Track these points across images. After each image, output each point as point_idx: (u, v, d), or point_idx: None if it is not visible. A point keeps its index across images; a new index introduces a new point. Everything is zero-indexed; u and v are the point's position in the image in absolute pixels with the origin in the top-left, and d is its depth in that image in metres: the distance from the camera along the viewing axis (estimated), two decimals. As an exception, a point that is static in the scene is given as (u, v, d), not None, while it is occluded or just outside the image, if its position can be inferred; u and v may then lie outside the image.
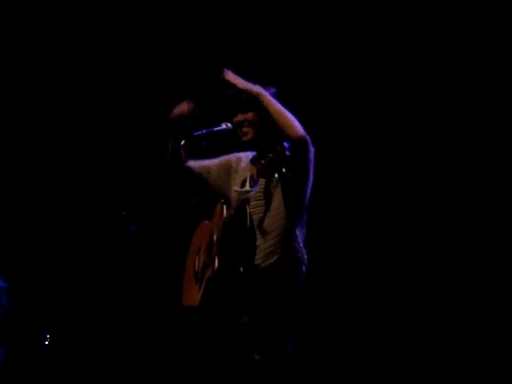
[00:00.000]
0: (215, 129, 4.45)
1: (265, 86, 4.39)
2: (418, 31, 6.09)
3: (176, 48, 6.59)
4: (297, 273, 4.40)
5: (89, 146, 6.72)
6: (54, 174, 6.76)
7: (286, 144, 4.18)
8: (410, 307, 6.10)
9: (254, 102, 4.34)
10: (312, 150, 4.32)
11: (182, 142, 4.39)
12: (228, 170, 4.60)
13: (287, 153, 4.14)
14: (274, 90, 4.44)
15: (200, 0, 6.56)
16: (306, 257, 4.45)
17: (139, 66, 6.67)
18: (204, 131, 4.41)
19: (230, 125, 4.45)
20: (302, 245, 4.43)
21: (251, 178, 4.32)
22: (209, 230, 4.56)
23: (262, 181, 4.28)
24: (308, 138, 4.25)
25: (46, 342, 6.37)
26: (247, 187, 4.29)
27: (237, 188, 4.39)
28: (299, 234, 4.42)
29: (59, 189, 6.76)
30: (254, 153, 4.56)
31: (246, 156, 4.60)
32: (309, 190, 4.39)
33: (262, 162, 4.18)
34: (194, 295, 4.52)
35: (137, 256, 6.47)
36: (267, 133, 4.38)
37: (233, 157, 4.63)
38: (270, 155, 4.15)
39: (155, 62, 6.64)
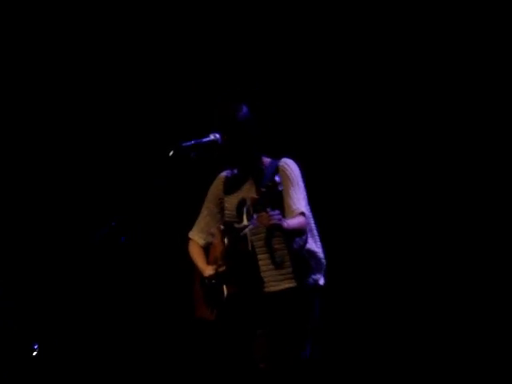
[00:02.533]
0: (203, 140, 4.49)
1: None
2: (416, 32, 6.10)
3: (173, 49, 6.59)
4: (312, 296, 4.56)
5: (82, 156, 6.71)
6: (45, 185, 6.75)
7: (277, 178, 4.25)
8: (408, 308, 6.12)
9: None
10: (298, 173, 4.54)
11: (171, 153, 4.41)
12: (219, 201, 4.72)
13: (279, 188, 4.23)
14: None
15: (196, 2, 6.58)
16: (324, 262, 4.58)
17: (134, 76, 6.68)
18: (192, 142, 4.45)
19: (218, 136, 4.51)
20: (319, 254, 4.56)
21: (247, 212, 4.43)
22: (212, 253, 4.68)
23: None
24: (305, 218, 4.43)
25: (35, 353, 6.36)
26: (245, 221, 4.43)
27: (236, 225, 4.48)
28: (312, 242, 4.54)
29: (49, 199, 6.75)
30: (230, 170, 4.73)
31: (226, 175, 4.74)
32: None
33: (256, 196, 4.27)
34: (206, 312, 4.65)
35: (126, 266, 6.48)
36: (250, 150, 4.56)
37: (214, 188, 4.75)
38: (263, 189, 4.24)
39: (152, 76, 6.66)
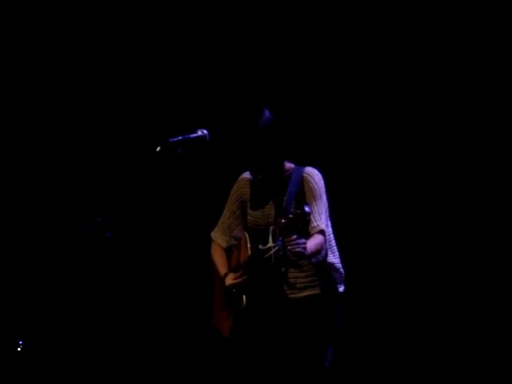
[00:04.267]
0: (191, 135, 4.47)
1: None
2: (416, 32, 6.12)
3: (169, 46, 6.56)
4: (333, 303, 4.62)
5: (71, 153, 6.69)
6: (34, 182, 6.74)
7: (306, 208, 4.26)
8: (422, 312, 6.14)
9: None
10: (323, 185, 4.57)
11: (158, 149, 4.38)
12: (242, 203, 4.74)
13: (308, 218, 4.27)
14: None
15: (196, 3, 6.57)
16: (342, 271, 4.64)
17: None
18: (180, 137, 4.42)
19: (205, 132, 4.49)
20: (337, 264, 4.62)
21: (273, 233, 4.45)
22: (235, 257, 4.70)
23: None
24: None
25: (19, 349, 6.35)
26: (270, 243, 4.44)
27: (260, 246, 4.49)
28: (330, 254, 4.59)
29: (43, 198, 6.73)
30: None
31: (249, 177, 4.73)
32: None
33: (283, 221, 4.28)
34: (223, 322, 4.68)
35: (113, 261, 6.47)
36: (273, 158, 4.57)
37: (236, 191, 4.76)
38: (291, 216, 4.26)
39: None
